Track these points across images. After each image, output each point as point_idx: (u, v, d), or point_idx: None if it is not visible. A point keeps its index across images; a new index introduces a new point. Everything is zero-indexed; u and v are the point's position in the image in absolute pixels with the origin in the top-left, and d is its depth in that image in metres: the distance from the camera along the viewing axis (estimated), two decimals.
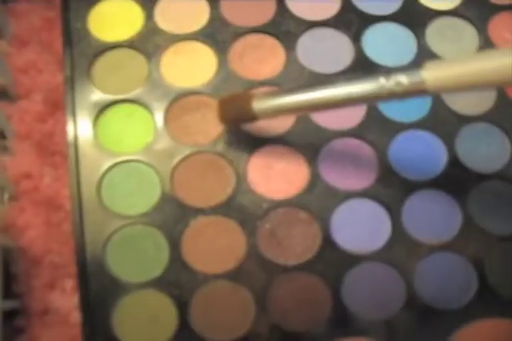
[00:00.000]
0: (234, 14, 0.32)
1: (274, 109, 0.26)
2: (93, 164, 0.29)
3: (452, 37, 0.33)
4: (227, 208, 0.29)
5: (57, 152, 0.31)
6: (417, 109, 0.31)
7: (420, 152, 0.30)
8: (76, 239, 0.27)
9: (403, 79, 0.21)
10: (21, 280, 0.28)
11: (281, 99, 0.25)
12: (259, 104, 0.26)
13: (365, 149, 0.30)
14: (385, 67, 0.32)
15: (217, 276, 0.27)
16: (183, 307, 0.27)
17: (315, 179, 0.29)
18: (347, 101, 0.24)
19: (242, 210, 0.29)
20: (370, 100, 0.23)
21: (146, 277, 0.27)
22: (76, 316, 0.28)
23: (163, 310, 0.27)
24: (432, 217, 0.29)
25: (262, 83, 0.31)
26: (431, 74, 0.20)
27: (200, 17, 0.32)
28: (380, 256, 0.28)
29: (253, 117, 0.26)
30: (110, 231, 0.28)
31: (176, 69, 0.31)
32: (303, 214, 0.29)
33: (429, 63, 0.21)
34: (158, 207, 0.28)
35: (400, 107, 0.31)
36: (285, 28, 0.32)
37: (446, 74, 0.20)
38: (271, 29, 0.32)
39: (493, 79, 0.19)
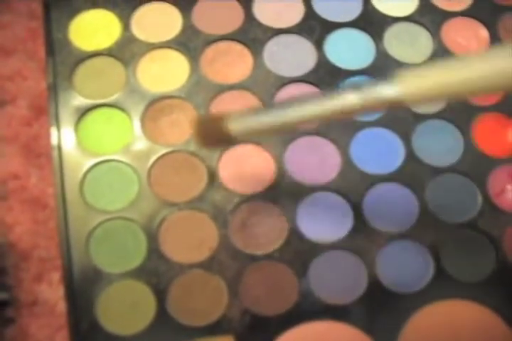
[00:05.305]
0: (205, 23, 0.33)
1: (251, 129, 0.22)
2: (76, 164, 0.30)
3: (408, 41, 0.34)
4: (201, 203, 0.30)
5: (43, 154, 0.32)
6: None
7: (379, 148, 0.31)
8: (61, 234, 0.29)
9: (375, 93, 0.18)
10: (11, 274, 0.29)
11: (255, 118, 0.22)
12: (234, 125, 0.22)
13: (328, 146, 0.31)
14: (347, 70, 0.33)
15: (192, 266, 0.29)
16: (161, 295, 0.28)
17: (282, 174, 0.30)
18: (321, 118, 0.21)
19: (214, 204, 0.30)
20: (341, 115, 0.20)
21: (126, 268, 0.29)
22: (62, 306, 0.29)
23: (143, 298, 0.28)
24: (391, 208, 0.30)
25: (232, 87, 0.32)
26: (406, 86, 0.17)
27: (173, 26, 0.33)
28: (343, 245, 0.29)
29: (231, 138, 0.23)
30: (92, 226, 0.29)
31: (152, 75, 0.32)
32: (271, 207, 0.30)
33: (401, 71, 0.17)
34: (136, 203, 0.29)
35: None
36: (252, 35, 0.33)
37: (422, 85, 0.17)
38: (239, 36, 0.33)
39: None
